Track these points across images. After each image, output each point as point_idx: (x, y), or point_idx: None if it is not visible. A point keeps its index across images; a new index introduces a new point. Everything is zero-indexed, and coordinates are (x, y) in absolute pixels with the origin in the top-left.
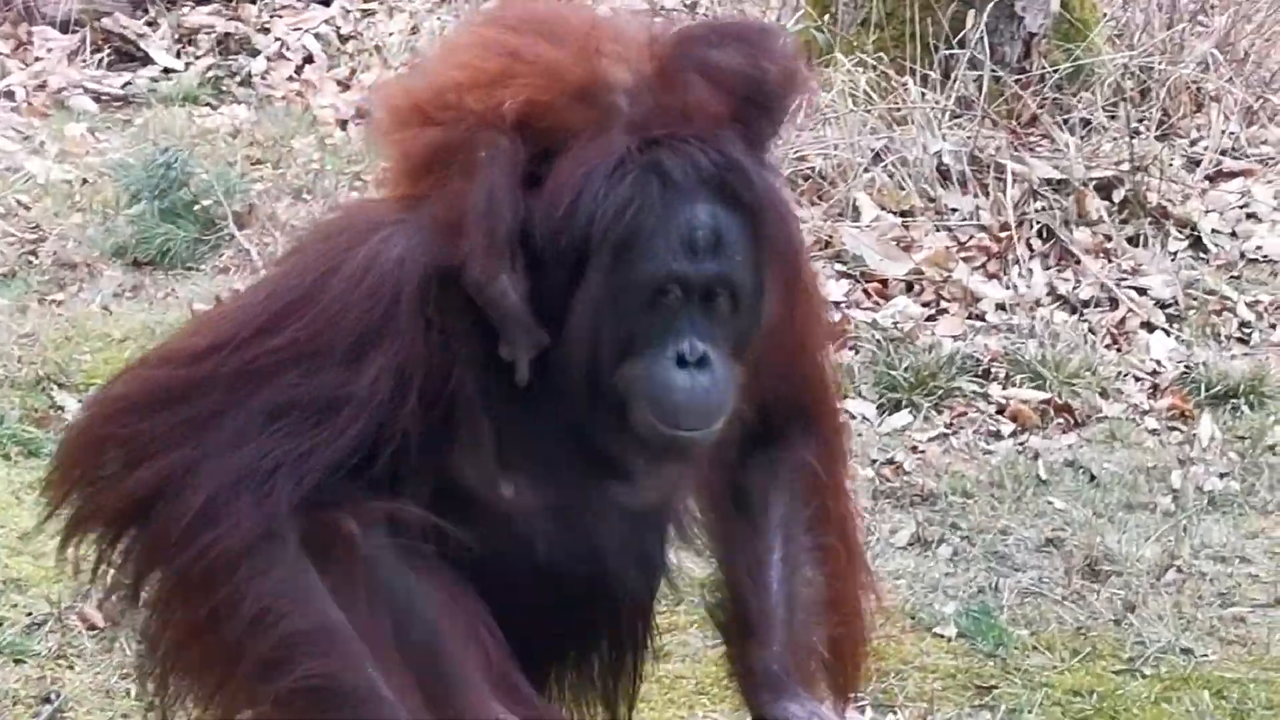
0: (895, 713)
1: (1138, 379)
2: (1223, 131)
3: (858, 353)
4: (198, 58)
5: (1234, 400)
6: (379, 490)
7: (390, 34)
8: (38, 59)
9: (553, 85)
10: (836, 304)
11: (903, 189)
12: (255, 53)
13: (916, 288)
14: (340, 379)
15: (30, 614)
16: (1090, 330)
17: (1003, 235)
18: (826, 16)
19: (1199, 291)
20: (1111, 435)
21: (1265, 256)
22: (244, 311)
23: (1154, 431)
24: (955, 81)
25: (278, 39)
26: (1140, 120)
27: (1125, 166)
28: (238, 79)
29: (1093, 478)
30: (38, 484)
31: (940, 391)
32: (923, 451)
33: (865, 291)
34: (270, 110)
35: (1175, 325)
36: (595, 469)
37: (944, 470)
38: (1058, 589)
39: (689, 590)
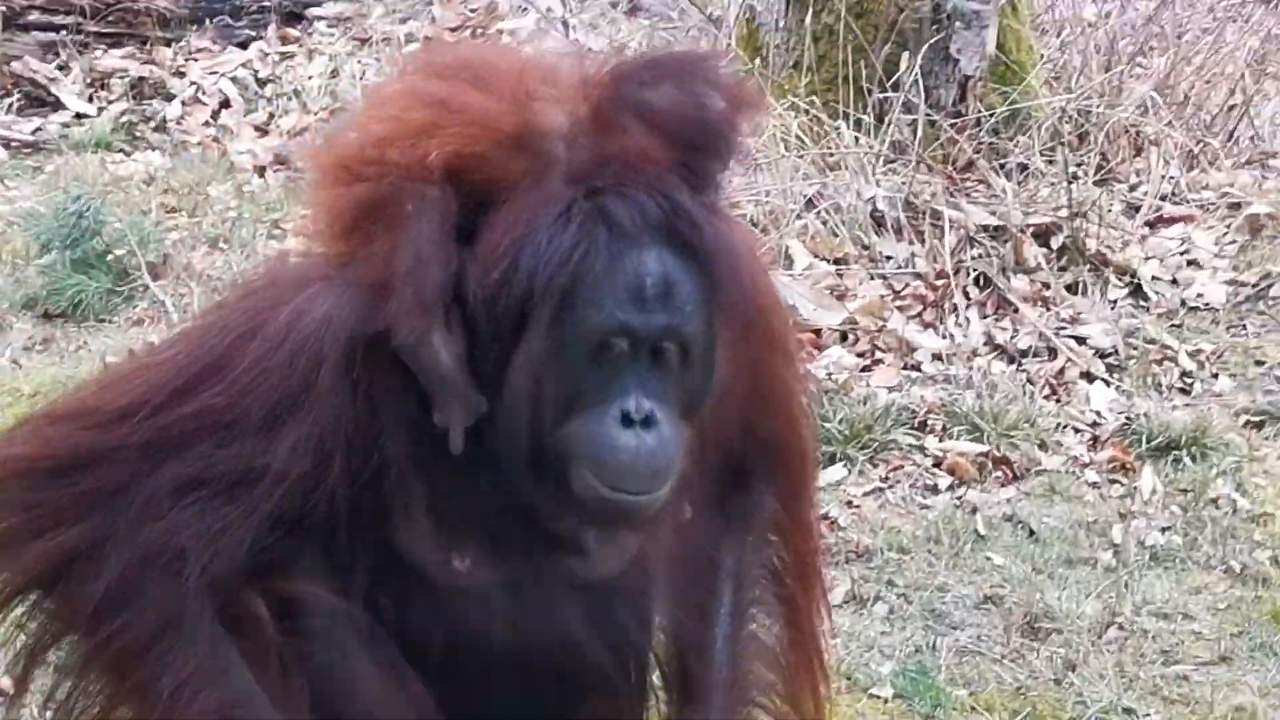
0: None
1: (1077, 431)
2: (1163, 176)
3: None
4: (111, 103)
5: (1176, 452)
6: (315, 562)
7: (309, 78)
8: None
9: (483, 135)
10: None
11: (836, 236)
12: (170, 97)
13: (851, 338)
14: (255, 450)
15: None
16: (1029, 381)
17: (939, 283)
18: (758, 60)
19: (1139, 340)
20: (1051, 489)
21: (1206, 304)
22: (158, 371)
23: (1094, 485)
24: (889, 126)
25: (193, 83)
26: (1079, 165)
27: (1063, 212)
28: (152, 124)
29: (1032, 532)
30: None
31: (876, 444)
32: (858, 506)
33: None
34: (185, 157)
35: (1115, 375)
36: (546, 540)
37: (880, 525)
38: (997, 647)
39: None
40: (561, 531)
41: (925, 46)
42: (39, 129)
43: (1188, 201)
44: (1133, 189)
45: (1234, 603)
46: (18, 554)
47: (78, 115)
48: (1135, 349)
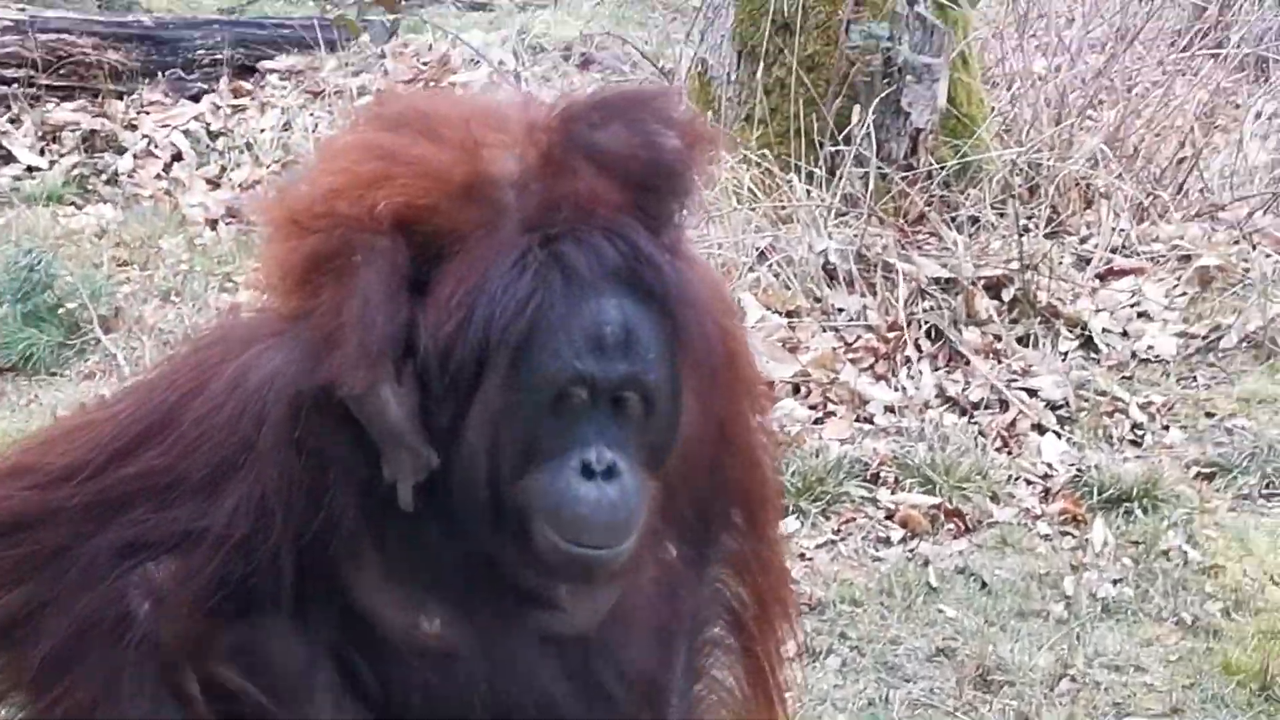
0: None
1: (1029, 482)
2: (1113, 229)
3: None
4: (62, 155)
5: (1127, 504)
6: (279, 623)
7: (261, 130)
8: None
9: (433, 186)
10: None
11: (788, 289)
12: (122, 150)
13: (803, 390)
14: (195, 512)
15: None
16: (980, 433)
17: (891, 336)
18: (710, 113)
19: (1090, 393)
20: (1003, 541)
21: (1157, 356)
22: (102, 430)
23: (1046, 536)
24: (841, 179)
25: (145, 136)
26: (1029, 218)
27: (1015, 265)
28: (104, 177)
29: (984, 585)
30: None
31: (828, 497)
32: (810, 559)
33: None
34: (137, 209)
35: (1066, 427)
36: (516, 597)
37: (832, 578)
38: (949, 700)
39: None
40: (531, 587)
41: (876, 100)
42: None
43: (1138, 254)
44: (1083, 241)
45: (1185, 654)
46: None
47: (29, 168)
48: (1086, 401)
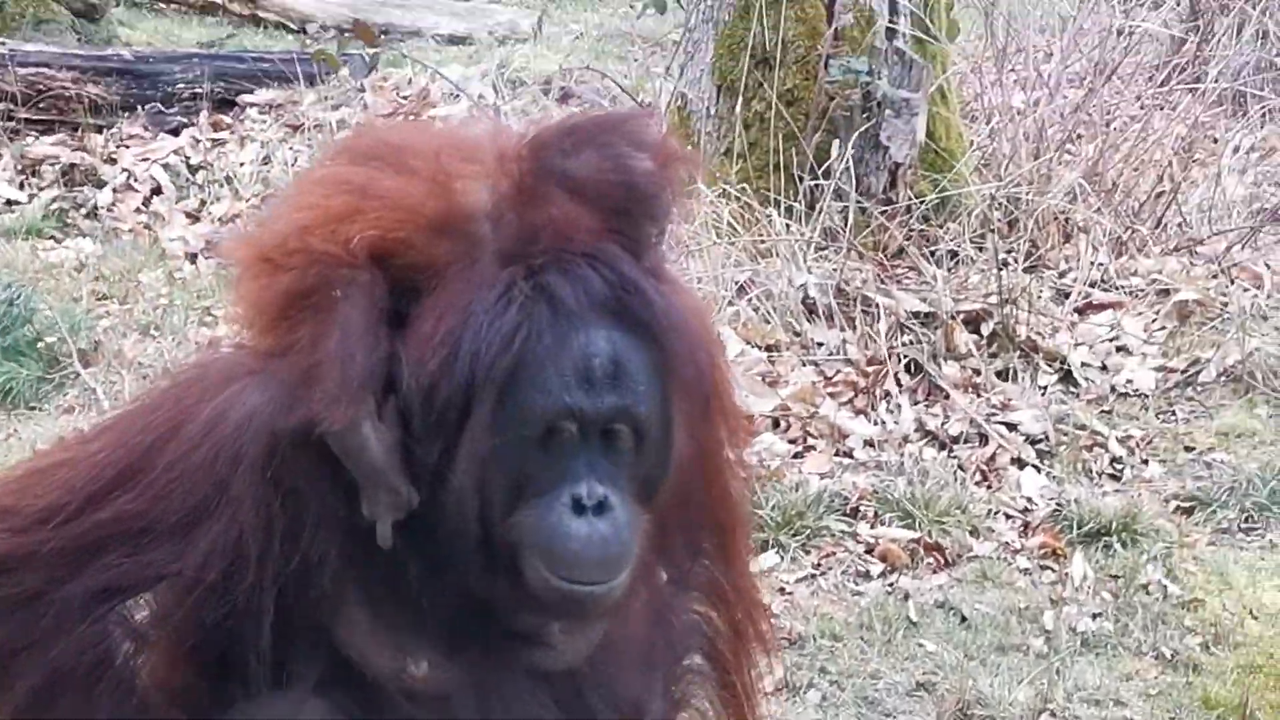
0: None
1: (1009, 517)
2: (1092, 263)
3: None
4: (41, 189)
5: (1106, 538)
6: (263, 669)
7: (241, 164)
8: None
9: (406, 219)
10: None
11: (768, 323)
12: (101, 184)
13: (783, 424)
14: (169, 556)
15: None
16: (960, 467)
17: (870, 370)
18: (688, 146)
19: (1069, 426)
20: (983, 575)
21: (1136, 390)
22: (77, 471)
23: (1026, 571)
24: (820, 213)
25: (125, 170)
26: (1008, 252)
27: (994, 299)
28: (83, 211)
29: (964, 619)
30: None
31: (808, 531)
32: (790, 593)
33: None
34: (117, 243)
35: (1046, 461)
36: (505, 635)
37: (812, 613)
38: None
39: None
40: (521, 626)
41: (856, 134)
42: None
43: (1117, 288)
44: (1062, 275)
45: (1165, 689)
46: None
47: (8, 202)
48: (1065, 435)
